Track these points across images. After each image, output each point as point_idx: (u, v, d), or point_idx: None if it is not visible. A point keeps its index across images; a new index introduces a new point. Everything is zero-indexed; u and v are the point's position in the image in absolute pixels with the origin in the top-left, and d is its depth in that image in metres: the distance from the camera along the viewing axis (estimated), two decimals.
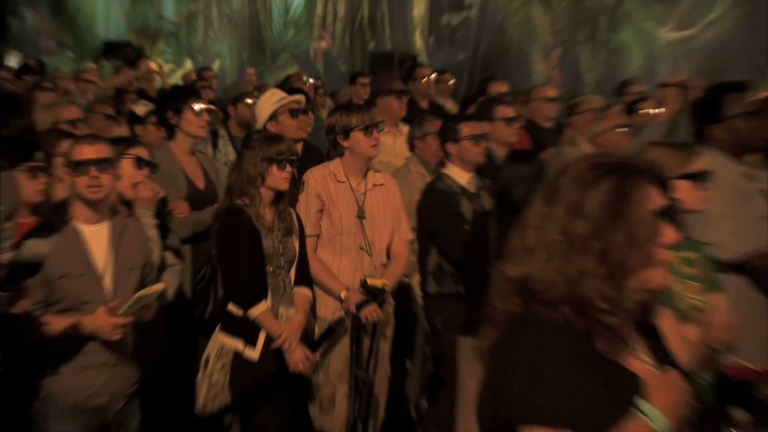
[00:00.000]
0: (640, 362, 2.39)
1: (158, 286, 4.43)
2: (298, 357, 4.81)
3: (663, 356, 2.51)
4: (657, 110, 7.32)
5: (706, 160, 4.41)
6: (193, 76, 10.69)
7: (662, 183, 2.41)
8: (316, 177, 5.40)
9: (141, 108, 7.18)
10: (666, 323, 3.39)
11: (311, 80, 9.96)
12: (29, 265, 3.90)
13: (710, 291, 4.12)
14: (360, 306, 5.08)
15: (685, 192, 3.96)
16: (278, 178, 4.83)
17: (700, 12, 10.61)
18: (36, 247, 4.14)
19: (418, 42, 13.19)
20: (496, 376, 2.36)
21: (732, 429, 2.85)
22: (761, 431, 3.15)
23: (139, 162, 4.89)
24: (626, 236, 2.30)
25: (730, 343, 3.96)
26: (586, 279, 2.27)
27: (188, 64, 14.19)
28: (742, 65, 9.20)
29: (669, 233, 2.34)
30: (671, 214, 2.38)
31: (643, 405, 2.24)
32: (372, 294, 5.11)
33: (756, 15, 10.45)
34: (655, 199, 2.34)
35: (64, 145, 4.78)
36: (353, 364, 5.17)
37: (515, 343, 2.33)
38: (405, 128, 6.94)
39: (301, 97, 6.89)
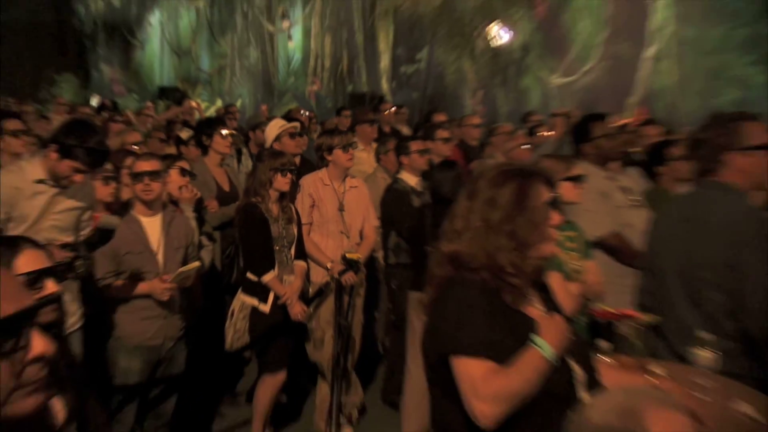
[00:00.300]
0: (536, 309, 2.49)
1: (195, 264, 4.58)
2: (297, 310, 4.91)
3: (551, 305, 2.63)
4: (549, 133, 7.40)
5: (581, 168, 4.49)
6: (222, 111, 10.69)
7: (550, 183, 2.49)
8: (308, 181, 5.48)
9: (185, 133, 7.25)
10: (554, 282, 3.45)
11: (306, 113, 10.05)
12: (104, 233, 3.99)
13: (584, 258, 4.22)
14: (341, 273, 5.12)
15: (566, 190, 4.05)
16: (281, 182, 4.91)
17: (580, 63, 10.58)
18: (109, 219, 4.39)
19: (384, 85, 13.14)
20: (434, 321, 2.46)
21: (598, 354, 2.85)
22: (617, 355, 3.16)
23: (183, 172, 5.00)
24: (527, 221, 2.43)
25: (598, 295, 4.05)
26: (499, 252, 2.41)
27: (219, 102, 14.15)
28: (607, 101, 9.21)
29: (555, 218, 2.42)
30: (556, 204, 2.44)
31: (537, 339, 2.31)
32: (350, 264, 5.14)
33: (618, 65, 10.48)
34: (546, 194, 2.45)
35: (128, 160, 4.89)
36: (337, 315, 5.20)
37: (447, 298, 2.45)
38: (374, 146, 6.99)
39: (297, 125, 7.03)
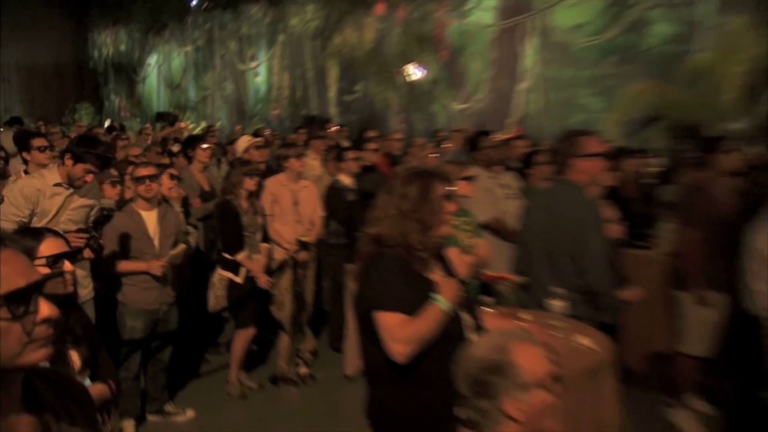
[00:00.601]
0: (437, 275, 2.47)
1: (183, 246, 4.53)
2: (263, 281, 4.88)
3: (449, 271, 2.59)
4: (450, 145, 7.44)
5: (472, 170, 4.58)
6: (205, 130, 10.57)
7: (447, 181, 2.50)
8: (270, 183, 5.42)
9: (175, 147, 7.12)
10: (453, 255, 3.49)
11: (269, 131, 10.02)
12: (106, 214, 3.88)
13: (475, 237, 4.21)
14: (296, 252, 5.09)
15: (461, 187, 4.05)
16: (249, 183, 4.87)
17: (473, 94, 10.67)
18: (110, 202, 4.20)
19: (331, 110, 13.11)
20: (362, 286, 2.47)
21: (482, 306, 2.90)
22: (497, 306, 3.22)
23: (172, 176, 4.90)
24: (429, 209, 2.43)
25: (485, 263, 4.07)
26: (410, 233, 2.42)
27: (203, 124, 13.94)
28: (492, 122, 9.34)
29: (450, 207, 2.43)
30: (451, 197, 2.47)
31: (437, 296, 2.33)
32: (303, 246, 5.14)
33: (500, 96, 10.63)
34: (443, 190, 2.44)
35: (131, 168, 4.87)
36: (294, 283, 5.20)
37: (371, 268, 2.45)
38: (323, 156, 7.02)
39: (262, 140, 7.10)
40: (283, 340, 5.30)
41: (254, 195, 5.00)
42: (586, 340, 2.96)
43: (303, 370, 5.35)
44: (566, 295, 3.11)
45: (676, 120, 8.15)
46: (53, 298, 1.19)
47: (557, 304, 3.08)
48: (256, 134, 8.34)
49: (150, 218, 4.37)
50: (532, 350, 1.80)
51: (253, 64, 15.44)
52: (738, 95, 8.21)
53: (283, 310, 5.25)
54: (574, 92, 9.58)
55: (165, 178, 4.70)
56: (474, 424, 1.77)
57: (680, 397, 4.49)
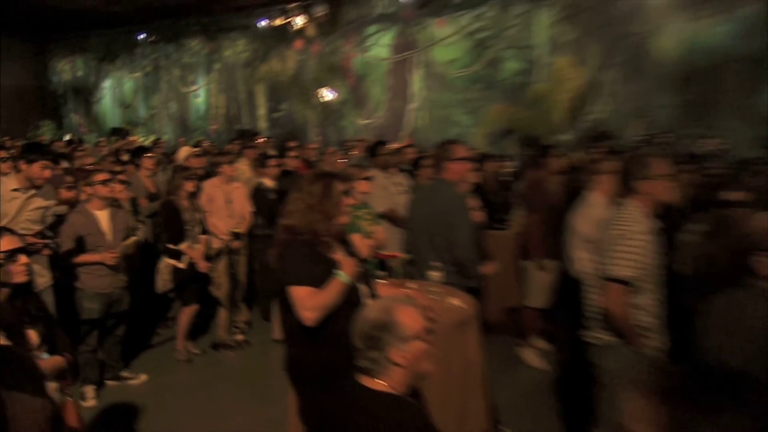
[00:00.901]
0: (339, 255, 2.44)
1: (133, 239, 4.33)
2: (202, 266, 4.72)
3: (350, 252, 2.59)
4: (355, 152, 7.42)
5: (372, 172, 4.58)
6: (153, 143, 10.10)
7: (345, 181, 2.50)
8: (207, 184, 5.22)
9: (125, 157, 6.73)
10: (356, 238, 3.47)
11: (208, 143, 9.67)
12: (60, 216, 3.78)
13: (374, 224, 4.16)
14: (230, 241, 4.97)
15: (362, 186, 4.04)
16: (189, 186, 4.72)
17: (374, 112, 10.74)
18: (63, 209, 4.13)
19: (261, 125, 12.86)
20: (279, 266, 2.43)
21: (376, 279, 2.93)
22: (388, 278, 3.25)
23: (122, 181, 4.64)
24: (331, 203, 2.43)
25: (382, 245, 3.97)
26: (315, 223, 2.40)
27: (152, 137, 13.29)
28: (389, 134, 9.45)
29: (348, 201, 2.42)
30: (349, 193, 2.47)
31: (339, 272, 2.33)
32: (235, 236, 5.02)
33: (395, 113, 10.75)
34: (341, 188, 2.43)
35: (86, 174, 4.60)
36: (229, 267, 5.08)
37: (286, 252, 2.41)
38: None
39: (200, 150, 6.85)
40: (222, 314, 5.16)
41: (193, 195, 4.82)
42: (456, 301, 3.05)
43: (239, 336, 5.24)
44: (442, 267, 3.19)
45: (522, 133, 8.51)
46: (10, 286, 1.13)
47: (435, 275, 3.15)
48: (195, 145, 8.08)
49: (102, 216, 4.14)
50: (410, 311, 1.83)
51: (194, 88, 14.92)
52: (565, 115, 8.82)
53: (220, 289, 5.10)
54: (451, 111, 9.86)
55: (116, 183, 4.47)
56: (368, 371, 1.78)
57: (527, 339, 4.67)
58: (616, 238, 2.64)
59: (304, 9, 11.56)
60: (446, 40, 9.93)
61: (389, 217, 4.84)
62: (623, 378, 2.61)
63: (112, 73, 17.13)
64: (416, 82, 10.28)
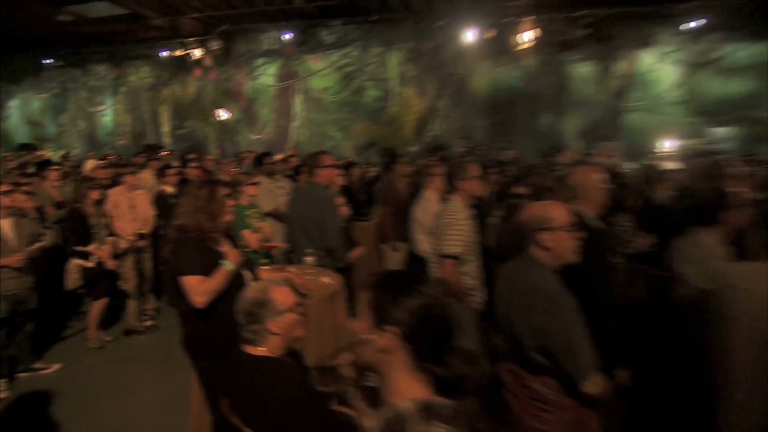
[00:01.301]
0: (225, 247, 2.33)
1: (40, 244, 3.81)
2: (111, 263, 4.22)
3: (235, 244, 2.46)
4: (247, 161, 7.06)
5: (259, 178, 4.38)
6: (62, 158, 8.85)
7: (228, 186, 2.39)
8: (112, 192, 4.71)
9: (31, 169, 5.83)
10: (246, 233, 3.31)
11: (114, 156, 8.70)
12: None
13: (262, 221, 4.02)
14: (135, 241, 4.52)
15: (250, 190, 3.88)
16: (94, 194, 4.21)
17: (263, 129, 10.42)
18: None
19: (166, 140, 11.88)
20: (172, 260, 2.26)
21: (260, 266, 2.81)
22: (272, 264, 3.16)
23: (27, 192, 4.02)
24: (216, 205, 2.29)
25: (268, 238, 3.89)
26: (203, 222, 2.25)
27: (61, 152, 11.69)
28: (276, 147, 9.24)
29: (229, 204, 2.30)
30: (233, 195, 2.35)
31: (224, 262, 2.22)
32: (140, 236, 4.57)
33: (281, 130, 10.47)
34: (224, 192, 2.31)
35: None
36: (135, 263, 4.61)
37: (177, 247, 2.26)
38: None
39: (104, 162, 6.11)
40: (131, 304, 4.70)
41: (98, 203, 4.31)
42: (327, 279, 3.03)
43: (149, 322, 4.80)
44: (315, 253, 3.16)
45: (381, 145, 8.67)
46: None
47: (309, 259, 3.12)
48: (102, 158, 7.21)
49: (6, 225, 3.57)
50: (283, 289, 1.80)
51: (101, 108, 13.32)
52: (412, 132, 9.20)
53: (129, 282, 4.64)
54: (326, 128, 9.80)
55: (20, 194, 3.86)
56: (251, 341, 1.74)
57: None
58: (445, 224, 2.78)
59: (201, 43, 10.83)
60: (321, 72, 9.86)
61: (274, 215, 4.68)
62: (458, 326, 2.79)
63: (19, 94, 14.81)
64: (298, 104, 10.09)
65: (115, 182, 5.60)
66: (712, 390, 1.71)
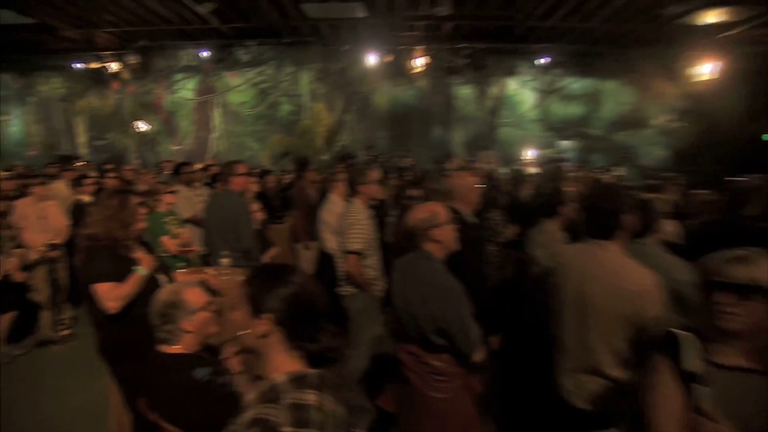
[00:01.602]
0: (138, 253, 2.16)
1: None
2: (18, 276, 3.74)
3: (150, 250, 2.28)
4: (167, 171, 6.53)
5: (176, 186, 4.11)
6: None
7: (139, 195, 2.23)
8: (20, 203, 4.14)
9: None
10: (165, 239, 3.08)
11: (22, 167, 7.55)
12: None
13: (180, 227, 3.74)
14: (46, 252, 3.99)
15: (167, 198, 3.60)
16: (1, 206, 3.59)
17: (184, 139, 9.71)
18: None
19: (83, 151, 10.68)
20: (82, 268, 2.05)
21: (177, 269, 2.64)
22: (189, 267, 2.97)
23: None
24: (127, 213, 2.14)
25: (186, 243, 3.60)
26: (114, 231, 2.09)
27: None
28: (195, 158, 8.66)
29: (141, 212, 2.14)
30: (144, 204, 2.18)
31: (138, 267, 2.09)
32: (52, 247, 4.05)
33: (201, 140, 9.87)
34: (136, 200, 2.15)
35: None
36: (49, 271, 4.10)
37: (88, 256, 2.08)
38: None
39: (11, 173, 5.26)
40: (44, 315, 4.14)
41: (3, 215, 3.75)
42: (242, 277, 2.93)
43: (65, 332, 4.25)
44: (231, 255, 3.03)
45: (295, 155, 8.47)
46: None
47: (225, 261, 2.99)
48: (7, 169, 6.22)
49: None
50: (195, 290, 1.74)
51: (6, 118, 11.45)
52: (322, 142, 9.14)
53: (41, 293, 4.08)
54: (244, 139, 9.36)
55: None
56: (166, 341, 1.66)
57: None
58: (348, 224, 2.79)
59: (118, 57, 9.78)
60: (238, 87, 9.41)
61: (193, 221, 4.40)
62: (364, 313, 2.82)
63: None
64: (217, 117, 9.53)
65: (22, 193, 4.90)
66: (552, 343, 1.87)
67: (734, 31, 6.82)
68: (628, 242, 1.86)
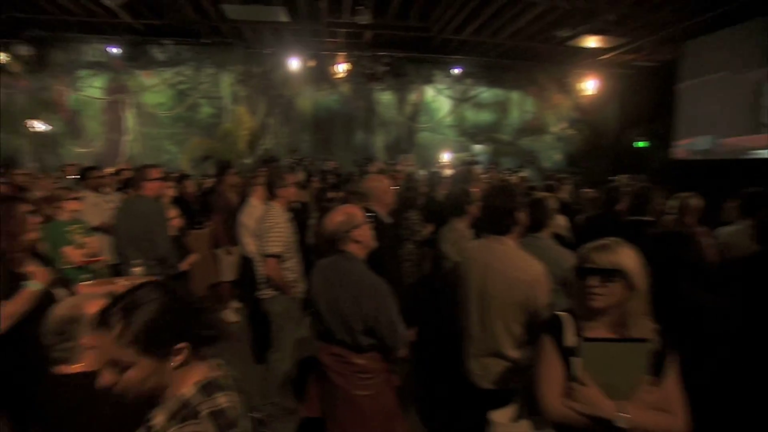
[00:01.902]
0: (31, 267, 1.91)
1: None
2: None
3: (45, 263, 2.04)
4: (68, 176, 5.83)
5: (83, 193, 3.67)
6: None
7: (28, 203, 1.99)
8: None
9: None
10: (69, 250, 2.80)
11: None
12: None
13: (87, 236, 3.29)
14: None
15: (71, 204, 3.23)
16: None
17: (92, 141, 8.76)
18: None
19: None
20: None
21: (81, 282, 2.38)
22: (95, 279, 2.68)
23: None
24: (14, 223, 1.91)
25: (94, 253, 3.13)
26: (5, 241, 1.80)
27: None
28: (107, 161, 7.91)
29: (35, 221, 1.92)
30: (35, 213, 1.94)
31: (29, 282, 1.87)
32: None
33: (113, 143, 8.99)
34: (25, 209, 1.92)
35: None
36: None
37: None
38: None
39: None
40: None
41: None
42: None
43: None
44: (144, 263, 2.83)
45: (216, 158, 8.12)
46: None
47: (137, 270, 2.78)
48: None
49: None
50: (99, 303, 1.60)
51: None
52: (245, 146, 8.79)
53: None
54: (161, 142, 8.66)
55: None
56: (66, 360, 1.51)
57: (225, 303, 4.40)
58: (267, 228, 2.73)
59: (5, 47, 8.46)
60: (153, 88, 8.67)
61: (103, 229, 4.00)
62: (285, 315, 2.78)
63: None
64: (130, 118, 8.69)
65: None
66: (460, 331, 1.96)
67: (609, 55, 7.70)
68: (523, 236, 2.01)
